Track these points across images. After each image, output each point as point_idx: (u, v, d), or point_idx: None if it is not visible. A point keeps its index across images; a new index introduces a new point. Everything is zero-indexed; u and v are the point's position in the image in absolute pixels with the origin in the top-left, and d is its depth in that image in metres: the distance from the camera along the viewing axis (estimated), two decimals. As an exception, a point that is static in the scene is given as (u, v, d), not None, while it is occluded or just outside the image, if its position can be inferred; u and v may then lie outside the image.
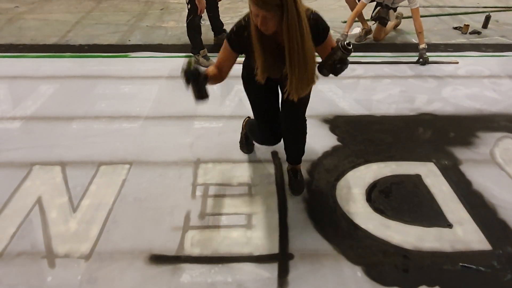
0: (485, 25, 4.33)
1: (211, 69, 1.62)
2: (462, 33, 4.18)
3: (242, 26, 1.53)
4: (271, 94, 1.83)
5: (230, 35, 1.58)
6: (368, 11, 3.82)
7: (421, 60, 3.43)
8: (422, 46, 3.47)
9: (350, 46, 1.38)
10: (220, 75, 1.65)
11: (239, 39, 1.55)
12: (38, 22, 4.37)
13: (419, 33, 3.50)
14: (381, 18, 3.74)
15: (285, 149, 2.03)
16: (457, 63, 3.47)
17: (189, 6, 3.18)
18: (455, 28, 4.32)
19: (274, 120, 1.89)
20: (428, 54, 3.49)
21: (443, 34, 4.17)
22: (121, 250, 1.70)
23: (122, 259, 1.66)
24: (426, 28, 4.32)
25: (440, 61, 3.49)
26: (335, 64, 1.44)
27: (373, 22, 3.98)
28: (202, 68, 1.53)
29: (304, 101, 1.80)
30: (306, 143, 2.01)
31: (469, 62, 3.50)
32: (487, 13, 4.43)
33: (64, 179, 2.08)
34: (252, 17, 1.43)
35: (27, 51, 3.60)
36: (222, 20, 3.70)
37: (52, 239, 1.74)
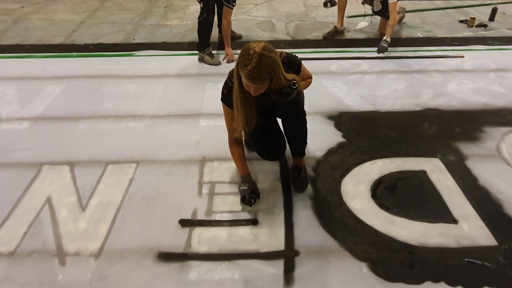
0: (491, 18, 4.28)
1: (240, 153, 1.97)
2: (468, 26, 4.14)
3: (231, 87, 1.76)
4: (264, 120, 1.91)
5: (224, 97, 1.85)
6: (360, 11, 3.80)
7: (380, 48, 3.42)
8: (385, 38, 3.47)
9: (295, 86, 1.68)
10: (241, 138, 1.97)
11: (231, 98, 1.77)
12: (44, 22, 4.41)
13: (389, 25, 3.50)
14: (369, 1, 3.73)
15: (288, 142, 2.06)
16: (463, 57, 3.44)
17: (201, 5, 3.20)
18: (461, 21, 4.28)
19: (272, 140, 2.05)
20: (433, 48, 3.46)
21: (449, 28, 4.14)
22: (129, 248, 1.73)
23: (131, 257, 1.69)
24: (432, 22, 4.30)
25: (445, 55, 3.47)
26: (282, 94, 1.71)
27: (374, 17, 3.96)
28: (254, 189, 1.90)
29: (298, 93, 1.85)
30: (311, 140, 2.02)
31: (475, 56, 3.47)
32: (494, 6, 4.38)
33: (72, 178, 2.11)
34: (243, 85, 1.65)
35: (33, 51, 3.64)
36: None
37: (62, 237, 1.78)
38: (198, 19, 3.28)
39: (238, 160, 1.96)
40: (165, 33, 4.08)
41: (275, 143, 2.06)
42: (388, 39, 3.46)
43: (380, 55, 3.43)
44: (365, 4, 3.83)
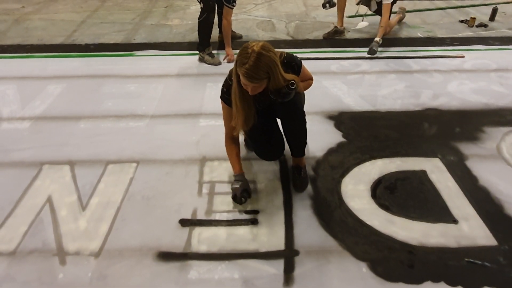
0: (492, 18, 4.28)
1: (235, 152, 1.97)
2: (468, 26, 4.14)
3: (230, 85, 1.77)
4: (263, 120, 1.92)
5: (223, 95, 1.86)
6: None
7: (370, 50, 3.44)
8: (376, 39, 3.48)
9: (293, 86, 1.68)
10: (237, 136, 1.96)
11: (230, 96, 1.78)
12: (44, 22, 4.42)
13: (381, 26, 3.52)
14: (366, 1, 3.73)
15: (288, 142, 2.06)
16: (463, 57, 3.44)
17: (201, 5, 3.20)
18: (462, 21, 4.28)
19: (271, 140, 2.04)
20: (433, 48, 3.45)
21: (449, 28, 4.14)
22: (130, 248, 1.73)
23: (131, 256, 1.69)
24: (432, 22, 4.30)
25: (446, 55, 3.47)
26: (281, 94, 1.70)
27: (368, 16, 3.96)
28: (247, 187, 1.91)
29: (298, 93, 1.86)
30: (311, 140, 2.02)
31: (475, 56, 3.46)
32: (494, 6, 4.38)
33: (73, 178, 2.12)
34: (242, 84, 1.66)
35: (34, 51, 3.65)
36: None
37: (62, 237, 1.78)
38: (199, 19, 3.29)
39: (233, 159, 1.97)
40: (165, 33, 4.08)
41: (274, 143, 2.07)
42: (379, 41, 3.47)
43: (379, 55, 3.43)
44: (361, 5, 3.83)
